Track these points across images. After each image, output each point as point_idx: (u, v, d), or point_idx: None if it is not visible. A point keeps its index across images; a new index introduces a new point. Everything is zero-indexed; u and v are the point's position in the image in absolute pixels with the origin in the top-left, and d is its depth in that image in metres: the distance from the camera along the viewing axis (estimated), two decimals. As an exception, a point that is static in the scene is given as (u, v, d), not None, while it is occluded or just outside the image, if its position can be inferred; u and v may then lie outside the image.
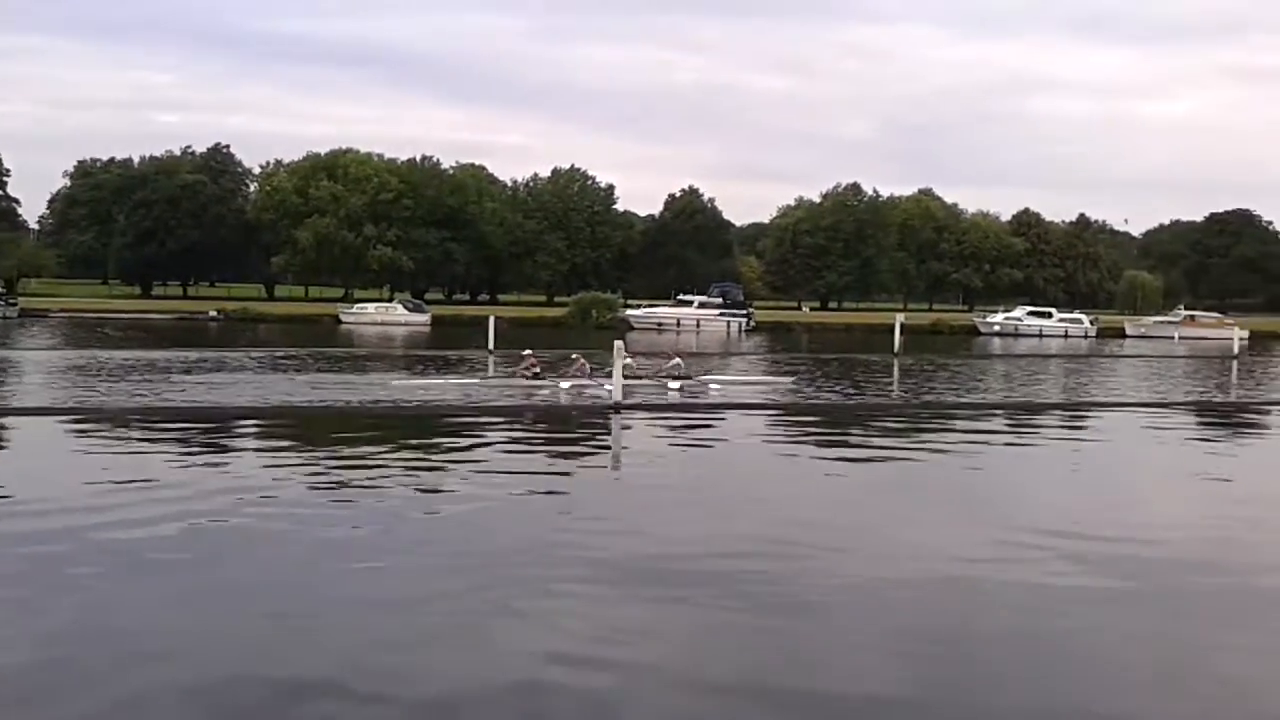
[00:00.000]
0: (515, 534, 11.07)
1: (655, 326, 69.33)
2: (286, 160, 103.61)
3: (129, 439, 17.01)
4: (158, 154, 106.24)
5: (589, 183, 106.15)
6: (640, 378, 25.30)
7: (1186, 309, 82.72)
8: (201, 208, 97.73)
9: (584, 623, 8.30)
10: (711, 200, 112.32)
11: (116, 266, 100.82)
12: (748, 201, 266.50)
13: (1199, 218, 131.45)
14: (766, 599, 8.93)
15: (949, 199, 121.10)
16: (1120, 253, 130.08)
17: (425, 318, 71.20)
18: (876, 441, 19.02)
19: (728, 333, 67.79)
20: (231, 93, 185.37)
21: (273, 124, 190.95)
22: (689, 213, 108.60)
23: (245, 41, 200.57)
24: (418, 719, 6.55)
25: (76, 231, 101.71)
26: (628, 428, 20.09)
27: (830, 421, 21.94)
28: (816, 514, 12.53)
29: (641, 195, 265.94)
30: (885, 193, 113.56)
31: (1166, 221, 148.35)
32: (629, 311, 74.11)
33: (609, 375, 22.93)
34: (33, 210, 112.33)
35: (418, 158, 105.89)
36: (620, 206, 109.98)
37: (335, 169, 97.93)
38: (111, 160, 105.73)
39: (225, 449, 16.63)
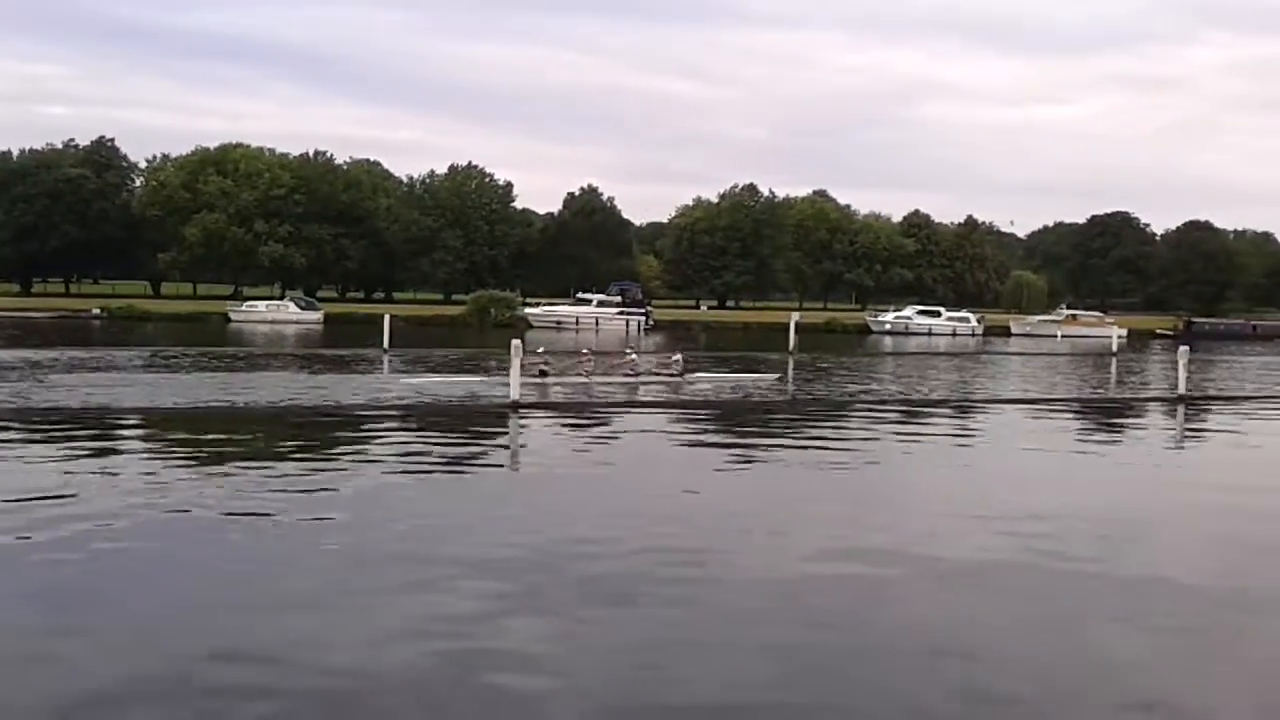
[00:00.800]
0: (401, 532, 10.98)
1: (554, 325, 69.23)
2: (175, 155, 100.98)
3: None
4: (39, 147, 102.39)
5: (487, 180, 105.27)
6: (639, 374, 27.13)
7: (1069, 308, 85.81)
8: (84, 203, 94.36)
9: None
10: (611, 199, 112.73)
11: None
12: (647, 201, 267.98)
13: (1081, 220, 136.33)
14: (666, 595, 9.03)
15: (843, 201, 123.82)
16: (1007, 253, 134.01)
17: (318, 316, 70.12)
18: (765, 438, 19.30)
19: (627, 331, 68.00)
20: (120, 86, 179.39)
21: (162, 118, 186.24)
22: (588, 211, 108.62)
23: (136, 34, 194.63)
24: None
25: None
26: (525, 426, 20.12)
27: (725, 418, 22.24)
28: (704, 509, 12.74)
29: (541, 193, 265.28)
30: (781, 194, 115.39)
31: (1051, 223, 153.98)
32: (528, 310, 73.86)
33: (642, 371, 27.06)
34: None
35: (311, 153, 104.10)
36: (519, 204, 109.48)
37: (225, 164, 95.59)
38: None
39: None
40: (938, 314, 79.67)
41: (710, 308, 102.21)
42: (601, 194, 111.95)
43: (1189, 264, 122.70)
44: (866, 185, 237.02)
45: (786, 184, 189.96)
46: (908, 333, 74.01)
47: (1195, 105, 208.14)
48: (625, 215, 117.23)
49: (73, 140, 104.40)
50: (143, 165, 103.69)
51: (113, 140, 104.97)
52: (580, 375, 26.83)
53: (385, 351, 39.16)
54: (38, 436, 16.54)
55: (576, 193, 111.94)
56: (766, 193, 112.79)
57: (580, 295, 76.83)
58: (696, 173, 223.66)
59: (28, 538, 10.15)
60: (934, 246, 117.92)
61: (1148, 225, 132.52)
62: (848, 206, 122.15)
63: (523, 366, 22.66)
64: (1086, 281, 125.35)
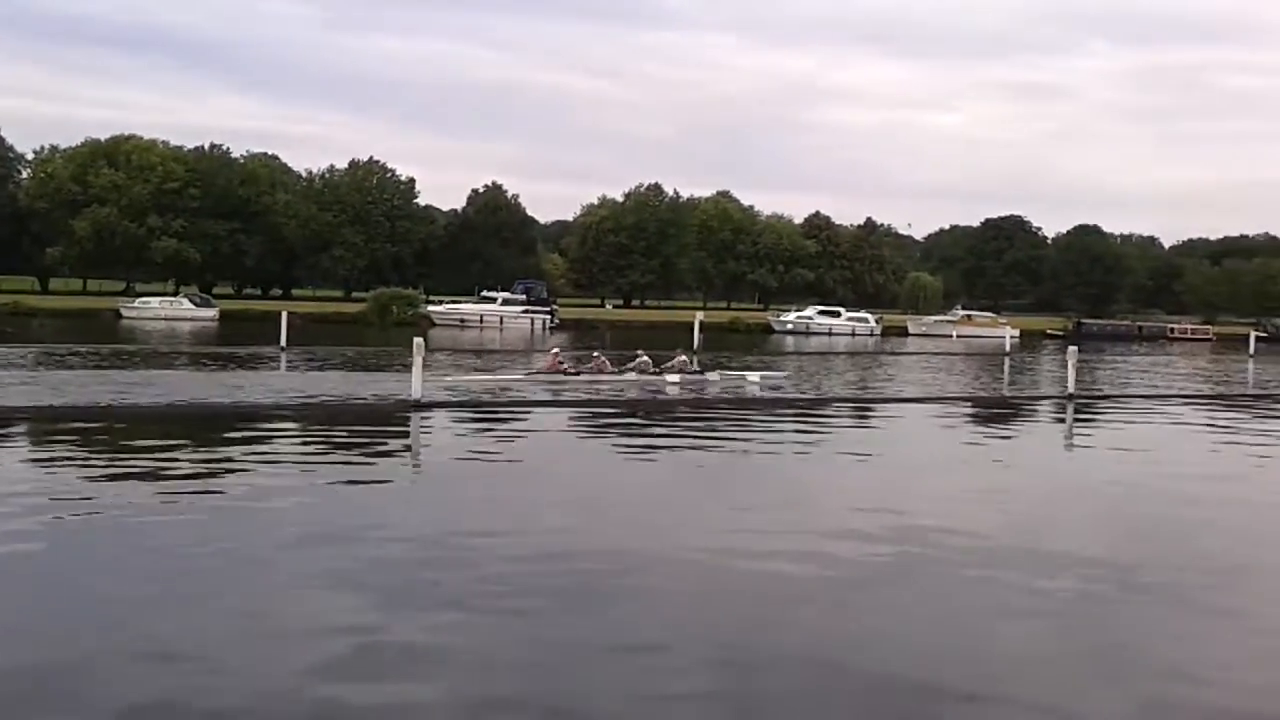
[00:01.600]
0: (295, 531, 10.84)
1: (458, 323, 68.68)
2: (63, 146, 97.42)
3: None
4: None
5: (389, 176, 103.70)
6: (645, 374, 28.14)
7: (964, 309, 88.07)
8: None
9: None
10: (515, 196, 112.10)
11: None
12: (552, 199, 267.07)
13: (976, 223, 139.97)
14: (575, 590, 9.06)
15: (746, 201, 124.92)
16: (904, 255, 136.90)
17: (213, 312, 68.54)
18: (664, 433, 19.45)
19: (531, 330, 67.76)
20: (5, 74, 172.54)
21: (51, 108, 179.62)
22: (492, 208, 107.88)
23: (22, 21, 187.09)
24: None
25: None
26: (428, 425, 19.94)
27: (630, 415, 22.33)
28: (606, 505, 12.83)
29: (444, 190, 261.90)
30: (685, 194, 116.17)
31: (947, 226, 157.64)
32: (431, 308, 73.08)
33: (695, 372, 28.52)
34: None
35: (206, 146, 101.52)
36: (422, 201, 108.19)
37: (116, 156, 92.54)
38: None
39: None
40: (838, 314, 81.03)
41: (616, 306, 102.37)
42: (506, 191, 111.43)
43: (1078, 267, 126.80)
44: (769, 187, 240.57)
45: (691, 184, 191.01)
46: (809, 332, 75.13)
47: (1081, 112, 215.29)
48: (530, 213, 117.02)
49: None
50: (30, 156, 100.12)
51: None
52: (593, 372, 27.86)
53: (283, 350, 38.44)
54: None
55: (481, 190, 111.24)
56: (671, 192, 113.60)
57: (484, 293, 76.32)
58: (602, 171, 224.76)
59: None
60: (834, 248, 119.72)
61: (1039, 229, 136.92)
62: (750, 207, 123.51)
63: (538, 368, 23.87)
64: (981, 283, 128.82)
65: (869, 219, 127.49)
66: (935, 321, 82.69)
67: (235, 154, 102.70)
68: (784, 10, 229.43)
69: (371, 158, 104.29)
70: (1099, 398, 29.45)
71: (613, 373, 28.01)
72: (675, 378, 27.74)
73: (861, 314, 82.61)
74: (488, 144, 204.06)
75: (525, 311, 72.22)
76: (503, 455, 16.79)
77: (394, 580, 9.19)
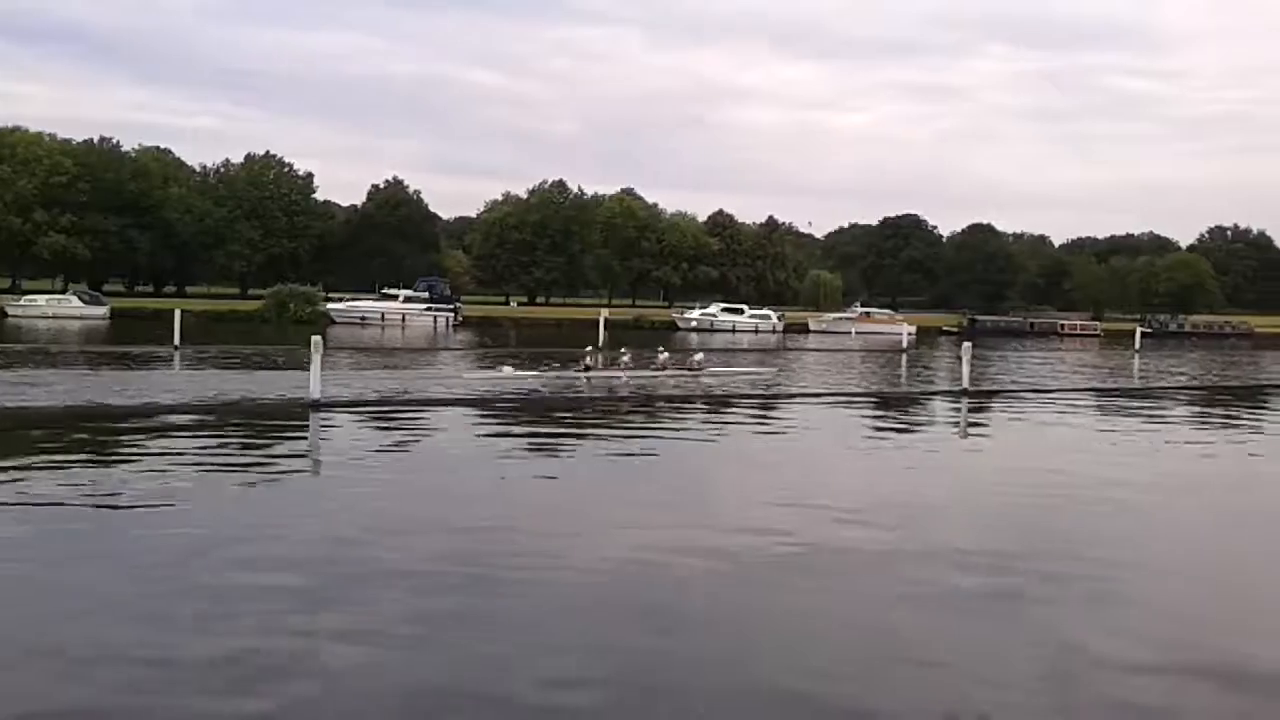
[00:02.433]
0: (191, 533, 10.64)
1: (359, 321, 67.74)
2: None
3: None
4: None
5: (286, 170, 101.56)
6: (657, 370, 30.33)
7: (863, 306, 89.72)
8: None
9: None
10: (417, 192, 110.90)
11: None
12: (455, 195, 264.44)
13: (874, 222, 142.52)
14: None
15: (650, 199, 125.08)
16: (805, 253, 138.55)
17: (104, 310, 66.44)
18: (561, 431, 19.49)
19: (434, 328, 67.15)
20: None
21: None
22: (393, 204, 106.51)
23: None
24: None
25: None
26: (327, 425, 19.65)
27: (526, 412, 22.36)
28: (509, 504, 12.86)
29: (344, 185, 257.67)
30: (590, 191, 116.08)
31: (847, 225, 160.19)
32: (331, 305, 71.94)
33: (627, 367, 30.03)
34: None
35: (96, 139, 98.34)
36: (321, 196, 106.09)
37: (1, 149, 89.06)
38: None
39: None
40: (741, 311, 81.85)
41: (521, 304, 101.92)
42: (408, 187, 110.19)
43: (972, 264, 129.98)
44: (673, 185, 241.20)
45: (596, 181, 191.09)
46: (713, 329, 75.75)
47: (978, 113, 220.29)
48: (433, 209, 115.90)
49: None
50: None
51: None
52: (619, 370, 29.93)
53: (177, 349, 37.50)
54: None
55: (382, 185, 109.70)
56: (576, 190, 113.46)
57: (386, 290, 75.40)
58: (506, 167, 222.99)
59: None
60: (737, 246, 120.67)
61: (935, 227, 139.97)
62: (655, 205, 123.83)
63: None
64: (879, 280, 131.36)
65: (771, 217, 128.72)
66: (835, 319, 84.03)
67: (126, 148, 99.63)
68: (693, 9, 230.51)
69: (268, 152, 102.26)
70: (991, 392, 30.25)
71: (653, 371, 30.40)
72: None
73: (764, 311, 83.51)
74: (390, 139, 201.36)
75: (428, 309, 71.56)
76: (403, 455, 16.66)
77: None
